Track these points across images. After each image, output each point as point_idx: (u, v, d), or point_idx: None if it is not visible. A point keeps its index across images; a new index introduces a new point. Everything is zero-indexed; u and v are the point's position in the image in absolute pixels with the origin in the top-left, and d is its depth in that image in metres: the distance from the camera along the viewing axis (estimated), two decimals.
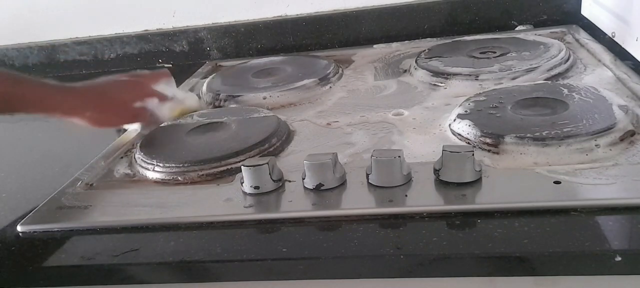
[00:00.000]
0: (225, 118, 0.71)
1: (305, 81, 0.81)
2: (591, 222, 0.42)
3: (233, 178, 0.56)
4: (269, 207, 0.50)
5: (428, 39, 0.99)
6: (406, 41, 1.00)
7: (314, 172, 0.50)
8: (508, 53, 0.79)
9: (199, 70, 1.01)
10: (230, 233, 0.48)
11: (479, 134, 0.56)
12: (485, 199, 0.46)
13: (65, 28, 1.16)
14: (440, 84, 0.75)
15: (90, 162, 0.65)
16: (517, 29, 0.97)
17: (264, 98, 0.78)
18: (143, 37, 0.90)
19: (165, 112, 0.73)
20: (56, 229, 0.53)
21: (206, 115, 0.74)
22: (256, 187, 0.52)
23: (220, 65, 1.05)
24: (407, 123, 0.65)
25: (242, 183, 0.53)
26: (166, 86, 0.74)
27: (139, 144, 0.67)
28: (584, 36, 0.85)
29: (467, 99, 0.65)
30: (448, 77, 0.75)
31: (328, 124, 0.68)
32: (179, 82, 0.95)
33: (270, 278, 0.45)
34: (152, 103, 0.71)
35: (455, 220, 0.45)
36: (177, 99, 0.75)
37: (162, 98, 0.72)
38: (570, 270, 0.41)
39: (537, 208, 0.44)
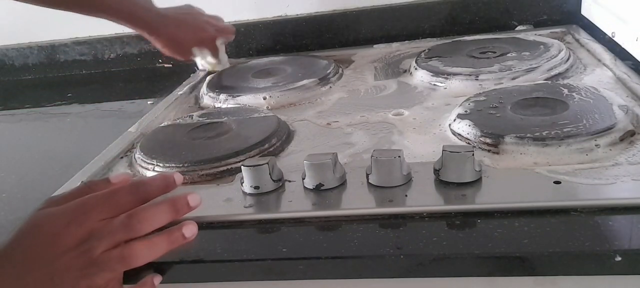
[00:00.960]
0: (225, 118, 0.71)
1: (305, 81, 0.81)
2: (591, 222, 0.42)
3: (233, 178, 0.56)
4: (269, 207, 0.50)
5: (428, 39, 0.99)
6: (406, 41, 1.00)
7: (314, 172, 0.50)
8: (508, 53, 0.79)
9: (199, 70, 1.01)
10: (230, 233, 0.48)
11: (479, 134, 0.56)
12: (485, 199, 0.46)
13: (65, 28, 1.16)
14: (440, 84, 0.75)
15: (90, 162, 0.65)
16: (517, 29, 0.97)
17: (264, 98, 0.78)
18: (143, 37, 0.90)
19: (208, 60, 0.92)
20: None
21: (206, 115, 0.74)
22: (256, 187, 0.52)
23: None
24: (407, 123, 0.65)
25: (242, 183, 0.53)
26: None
27: (139, 144, 0.67)
28: (584, 36, 0.85)
29: (467, 99, 0.65)
30: (448, 77, 0.75)
31: (328, 124, 0.68)
32: (179, 82, 0.95)
33: (270, 278, 0.45)
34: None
35: (455, 220, 0.45)
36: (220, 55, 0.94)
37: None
38: (570, 270, 0.41)
39: (537, 208, 0.44)
